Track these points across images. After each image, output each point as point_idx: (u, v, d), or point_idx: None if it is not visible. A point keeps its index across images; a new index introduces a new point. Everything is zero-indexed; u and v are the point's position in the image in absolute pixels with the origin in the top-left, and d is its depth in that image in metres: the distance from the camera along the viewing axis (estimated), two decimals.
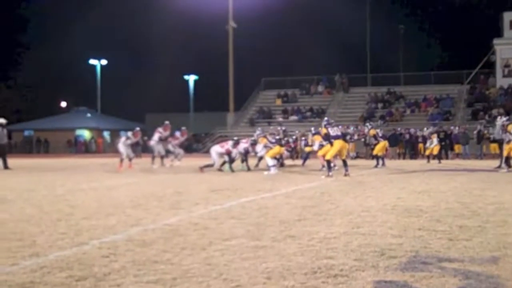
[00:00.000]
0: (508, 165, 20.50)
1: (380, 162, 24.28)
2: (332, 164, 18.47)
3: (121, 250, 6.42)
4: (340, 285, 4.98)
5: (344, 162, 18.63)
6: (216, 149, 21.52)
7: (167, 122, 26.18)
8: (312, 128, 25.88)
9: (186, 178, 18.34)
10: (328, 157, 18.26)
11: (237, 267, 5.62)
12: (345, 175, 17.98)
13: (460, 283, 5.00)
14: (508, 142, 20.48)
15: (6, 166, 23.77)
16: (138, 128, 26.46)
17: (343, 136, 18.90)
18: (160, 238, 7.14)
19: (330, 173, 17.83)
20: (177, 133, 26.77)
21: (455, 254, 6.16)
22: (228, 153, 20.89)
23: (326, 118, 21.29)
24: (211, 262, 5.86)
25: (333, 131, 18.58)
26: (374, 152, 25.13)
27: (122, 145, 23.80)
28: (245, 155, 21.77)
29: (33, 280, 5.14)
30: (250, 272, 5.42)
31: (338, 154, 18.67)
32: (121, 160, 23.45)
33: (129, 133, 24.47)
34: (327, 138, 18.68)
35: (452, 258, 5.94)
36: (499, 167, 21.38)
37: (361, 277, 5.24)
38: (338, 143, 18.27)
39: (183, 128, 27.44)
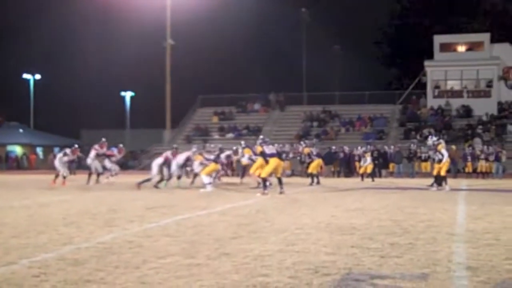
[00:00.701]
0: (438, 184, 21.05)
1: (315, 180, 24.54)
2: (267, 182, 18.56)
3: (52, 270, 6.28)
4: None
5: (279, 180, 18.76)
6: (157, 161, 21.37)
7: (103, 139, 25.83)
8: (242, 142, 25.94)
9: (121, 195, 18.09)
10: (263, 175, 18.37)
11: (171, 286, 5.59)
12: (280, 193, 18.10)
13: None
14: (439, 161, 21.06)
15: None
16: (76, 146, 25.96)
17: (278, 154, 19.06)
18: (93, 257, 7.02)
19: (266, 191, 17.92)
20: (114, 150, 26.41)
21: (386, 271, 6.28)
22: (167, 160, 20.81)
23: (261, 137, 21.43)
24: (145, 280, 5.80)
25: (269, 149, 18.75)
26: (309, 170, 25.38)
27: (58, 162, 23.37)
28: (182, 167, 21.82)
29: None
30: None
31: (273, 172, 18.81)
32: (56, 176, 23.02)
33: (68, 150, 24.02)
34: (263, 156, 18.78)
35: (384, 275, 6.05)
36: (432, 185, 21.92)
37: None
38: (273, 161, 18.40)
39: (120, 145, 27.12)
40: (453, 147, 33.31)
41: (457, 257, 7.09)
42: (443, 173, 21.03)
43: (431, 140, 22.21)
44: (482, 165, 33.09)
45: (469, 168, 33.40)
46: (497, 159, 33.04)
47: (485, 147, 34.79)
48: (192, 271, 6.26)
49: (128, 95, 69.86)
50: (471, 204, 14.60)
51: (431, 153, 23.90)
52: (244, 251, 7.50)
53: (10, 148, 57.85)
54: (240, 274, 6.08)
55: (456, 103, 46.51)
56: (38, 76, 64.61)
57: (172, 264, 6.60)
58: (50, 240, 8.38)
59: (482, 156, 33.15)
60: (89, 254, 7.20)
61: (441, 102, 46.91)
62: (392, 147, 36.33)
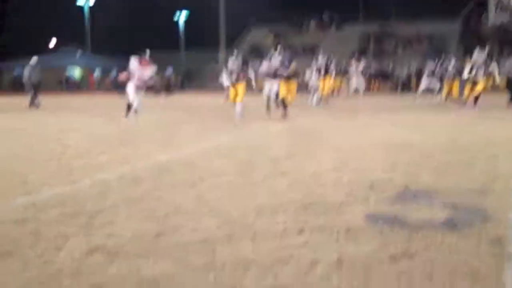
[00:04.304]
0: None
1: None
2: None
3: (113, 188, 6.45)
4: (331, 219, 5.03)
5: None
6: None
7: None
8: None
9: (179, 116, 18.29)
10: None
11: (227, 203, 5.67)
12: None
13: (448, 215, 5.07)
14: None
15: (32, 103, 23.48)
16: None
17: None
18: (151, 176, 7.17)
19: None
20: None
21: (444, 188, 6.22)
22: None
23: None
24: (202, 198, 5.91)
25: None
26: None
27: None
28: None
29: (25, 217, 5.17)
30: (240, 208, 5.46)
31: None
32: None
33: None
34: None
35: (441, 192, 6.00)
36: None
37: (352, 211, 5.30)
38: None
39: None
40: None
41: None
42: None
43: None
44: None
45: None
46: None
47: None
48: (248, 189, 6.33)
49: (182, 15, 69.49)
50: None
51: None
52: (299, 170, 7.53)
53: (69, 70, 58.78)
54: (296, 193, 6.12)
55: None
56: (91, 2, 64.78)
57: (228, 183, 6.69)
58: (110, 160, 8.58)
59: None
60: (147, 174, 7.34)
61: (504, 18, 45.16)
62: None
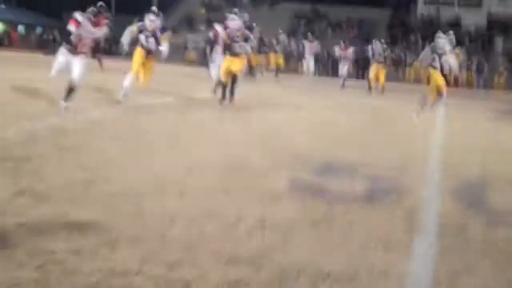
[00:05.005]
0: None
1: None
2: None
3: (42, 137, 6.39)
4: (256, 182, 5.18)
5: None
6: None
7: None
8: None
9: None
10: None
11: (157, 160, 5.76)
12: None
13: (367, 184, 5.36)
14: None
15: None
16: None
17: None
18: (82, 129, 7.18)
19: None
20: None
21: (366, 162, 6.48)
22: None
23: None
24: (132, 151, 5.98)
25: None
26: None
27: None
28: None
29: None
30: (170, 165, 5.56)
31: None
32: None
33: None
34: None
35: (363, 165, 6.27)
36: None
37: (277, 175, 5.47)
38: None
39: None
40: None
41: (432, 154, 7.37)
42: None
43: None
44: None
45: None
46: None
47: None
48: (178, 149, 6.42)
49: None
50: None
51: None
52: (230, 135, 7.66)
53: None
54: (225, 156, 6.26)
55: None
56: None
57: (159, 141, 6.76)
58: (39, 111, 8.44)
59: None
60: (78, 127, 7.32)
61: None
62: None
